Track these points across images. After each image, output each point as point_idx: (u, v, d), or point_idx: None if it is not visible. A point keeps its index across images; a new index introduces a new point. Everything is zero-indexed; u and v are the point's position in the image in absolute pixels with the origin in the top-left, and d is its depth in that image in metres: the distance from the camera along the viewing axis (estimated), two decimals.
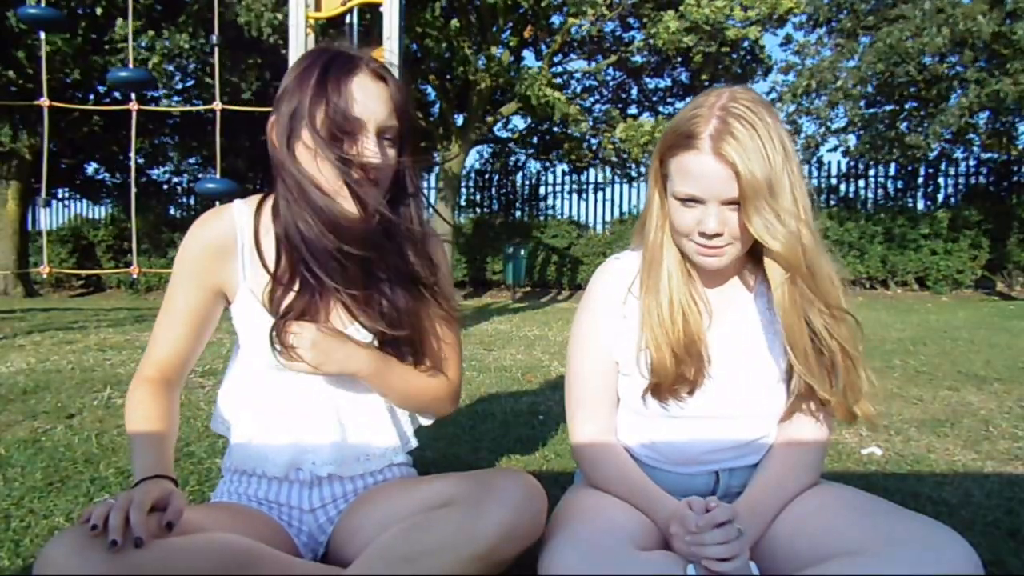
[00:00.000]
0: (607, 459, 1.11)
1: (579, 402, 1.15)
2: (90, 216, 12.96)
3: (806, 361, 1.00)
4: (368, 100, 0.99)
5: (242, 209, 1.09)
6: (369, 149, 0.99)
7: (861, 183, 11.49)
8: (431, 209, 1.18)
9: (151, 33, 7.74)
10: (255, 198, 1.10)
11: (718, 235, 0.97)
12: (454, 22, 8.38)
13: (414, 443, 1.22)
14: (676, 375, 1.05)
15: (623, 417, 1.17)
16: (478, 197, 13.19)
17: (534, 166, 13.16)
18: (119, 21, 7.55)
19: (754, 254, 1.03)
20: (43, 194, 5.45)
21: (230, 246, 1.07)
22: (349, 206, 0.99)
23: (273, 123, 1.02)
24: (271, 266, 1.05)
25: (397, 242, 1.07)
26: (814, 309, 0.98)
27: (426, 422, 1.25)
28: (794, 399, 1.07)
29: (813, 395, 1.04)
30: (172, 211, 12.89)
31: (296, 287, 1.05)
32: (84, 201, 13.46)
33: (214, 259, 1.07)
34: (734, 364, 1.08)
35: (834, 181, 11.62)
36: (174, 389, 1.11)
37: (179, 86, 9.44)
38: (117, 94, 9.39)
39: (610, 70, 11.82)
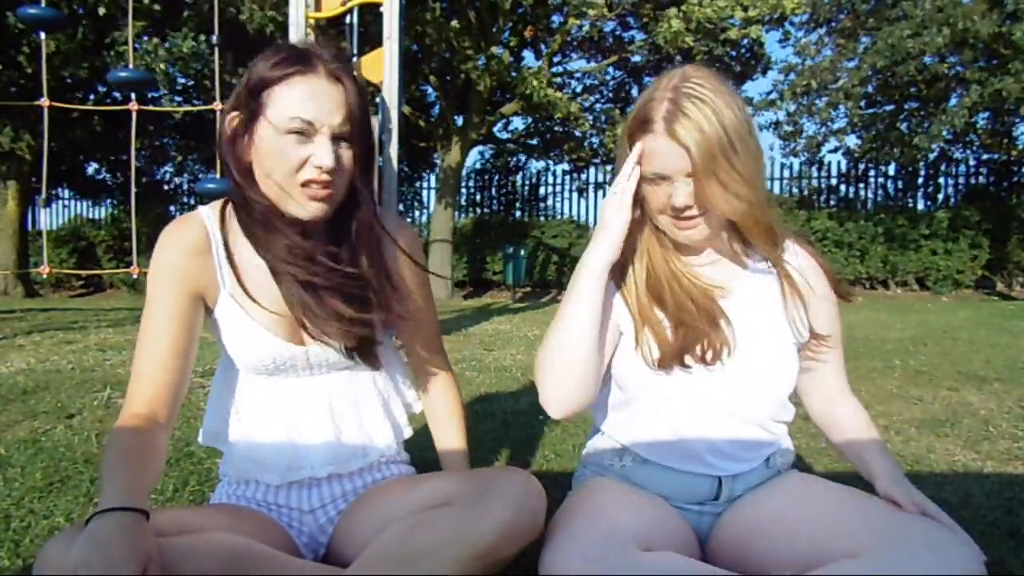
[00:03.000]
0: None
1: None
2: (90, 216, 13.00)
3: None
4: (323, 102, 0.97)
5: (209, 214, 1.06)
6: (324, 151, 0.97)
7: (861, 184, 11.50)
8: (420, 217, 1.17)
9: (155, 41, 7.74)
10: (219, 203, 1.08)
11: (688, 207, 1.01)
12: (454, 22, 8.38)
13: (408, 432, 1.22)
14: (679, 340, 1.07)
15: (628, 415, 1.16)
16: (478, 197, 13.20)
17: (534, 166, 13.19)
18: (120, 21, 7.55)
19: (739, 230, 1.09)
20: (43, 194, 5.45)
21: (206, 248, 1.03)
22: (308, 210, 1.00)
23: (231, 120, 1.00)
24: (244, 272, 1.04)
25: (351, 247, 1.07)
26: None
27: (420, 409, 1.27)
28: (820, 382, 1.17)
29: (829, 375, 1.17)
30: (173, 211, 12.91)
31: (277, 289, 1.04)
32: (84, 201, 13.49)
33: (193, 261, 1.02)
34: (746, 336, 1.09)
35: (834, 181, 11.63)
36: (165, 430, 0.99)
37: (179, 86, 9.44)
38: (117, 94, 9.40)
39: (610, 70, 11.83)
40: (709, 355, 1.06)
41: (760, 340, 1.09)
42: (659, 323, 1.07)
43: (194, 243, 1.02)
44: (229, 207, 1.07)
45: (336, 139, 0.99)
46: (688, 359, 1.06)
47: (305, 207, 0.99)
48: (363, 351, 1.09)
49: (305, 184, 0.98)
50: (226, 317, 1.06)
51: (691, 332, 1.06)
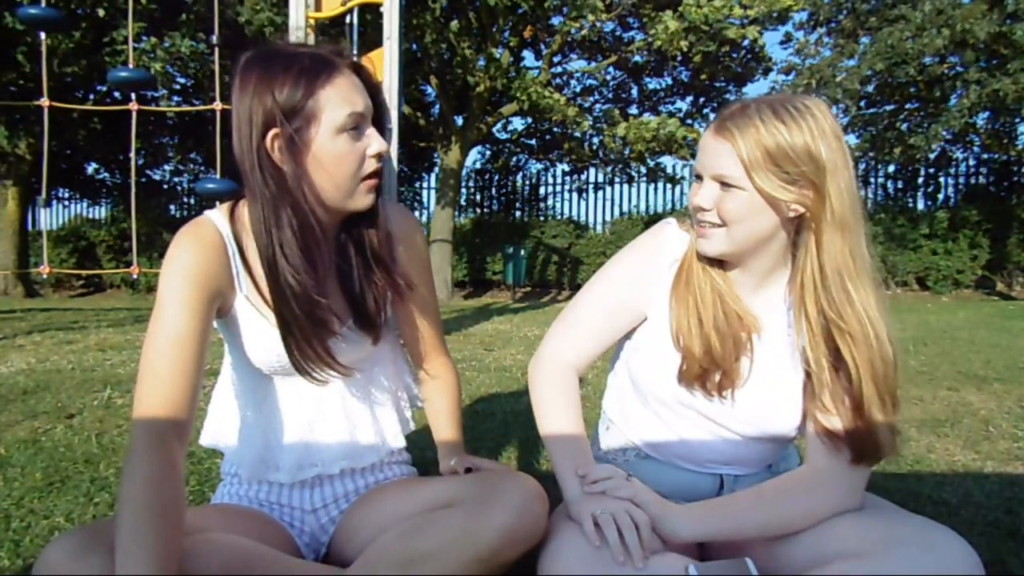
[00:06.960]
0: (563, 386, 1.10)
1: (573, 326, 1.13)
2: (90, 216, 12.99)
3: (819, 377, 0.98)
4: (359, 91, 0.99)
5: (218, 217, 1.04)
6: (376, 138, 1.00)
7: (861, 183, 11.50)
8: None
9: (153, 40, 7.73)
10: (224, 207, 1.06)
11: (704, 211, 0.97)
12: (454, 23, 8.38)
13: (412, 426, 1.24)
14: (703, 366, 1.03)
15: (636, 408, 1.16)
16: (478, 197, 13.20)
17: (534, 166, 13.18)
18: (120, 21, 7.55)
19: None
20: (43, 194, 5.45)
21: (223, 250, 1.02)
22: (365, 200, 1.02)
23: (275, 136, 0.94)
24: (258, 276, 1.03)
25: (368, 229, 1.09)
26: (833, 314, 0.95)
27: (421, 404, 1.28)
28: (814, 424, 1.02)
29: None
30: (172, 211, 12.91)
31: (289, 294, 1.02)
32: (84, 201, 13.47)
33: (213, 261, 0.99)
34: (763, 374, 1.06)
35: None
36: (183, 447, 0.91)
37: (179, 86, 9.45)
38: (117, 94, 9.39)
39: (610, 70, 11.82)
40: (722, 386, 1.04)
41: (772, 382, 1.05)
42: (692, 341, 1.04)
43: (212, 244, 1.00)
44: (239, 209, 1.05)
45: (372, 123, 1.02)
46: (707, 383, 1.04)
47: (366, 198, 1.02)
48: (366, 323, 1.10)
49: (364, 177, 1.00)
50: (243, 319, 1.05)
51: (715, 361, 1.03)
